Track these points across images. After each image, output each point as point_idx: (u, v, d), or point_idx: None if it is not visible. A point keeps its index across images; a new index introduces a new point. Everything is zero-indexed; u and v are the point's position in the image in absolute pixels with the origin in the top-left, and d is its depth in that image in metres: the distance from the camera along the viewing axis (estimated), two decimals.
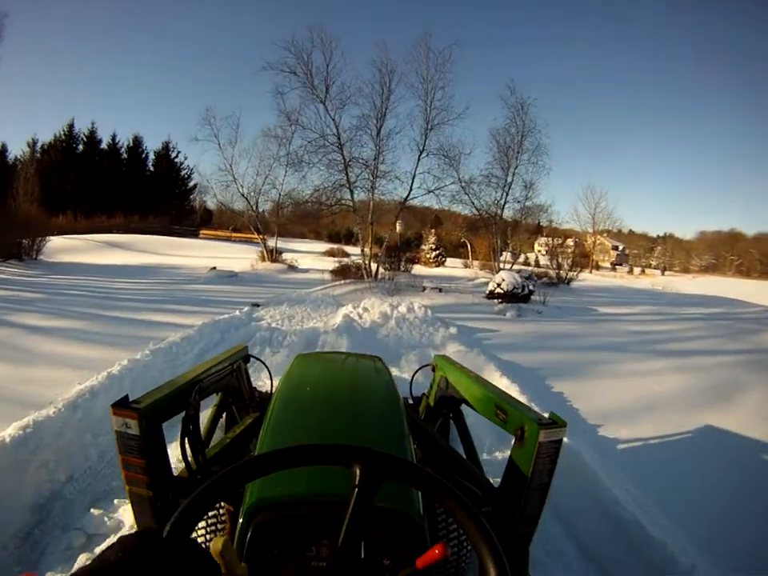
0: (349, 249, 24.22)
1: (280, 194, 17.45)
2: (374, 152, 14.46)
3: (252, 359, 2.64)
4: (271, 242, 18.53)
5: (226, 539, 0.60)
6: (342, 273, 14.34)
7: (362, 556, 0.99)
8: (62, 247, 17.41)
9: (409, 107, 16.61)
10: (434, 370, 2.58)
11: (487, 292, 11.19)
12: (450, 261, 26.79)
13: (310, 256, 21.68)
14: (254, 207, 18.05)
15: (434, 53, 14.05)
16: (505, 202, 15.97)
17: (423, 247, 27.52)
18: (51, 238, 15.96)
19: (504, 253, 17.45)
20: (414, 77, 14.33)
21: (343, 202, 14.75)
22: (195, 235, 31.62)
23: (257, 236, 18.43)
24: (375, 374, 2.30)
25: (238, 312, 7.23)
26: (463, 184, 15.10)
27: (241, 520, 1.08)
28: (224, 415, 2.50)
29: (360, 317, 7.27)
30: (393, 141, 14.71)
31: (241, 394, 2.43)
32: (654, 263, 66.13)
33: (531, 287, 10.91)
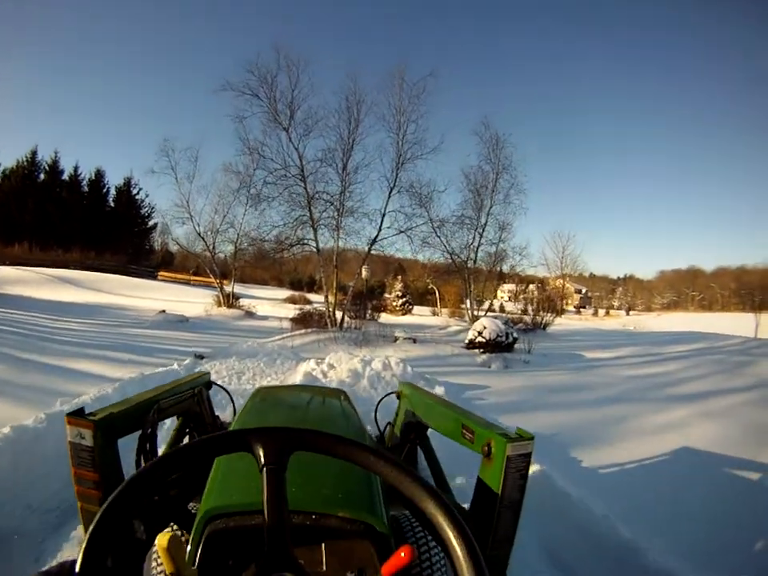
0: (311, 296, 23.44)
1: (239, 234, 16.41)
2: (339, 187, 13.47)
3: (214, 386, 2.64)
4: (229, 287, 17.49)
5: (173, 535, 0.65)
6: (303, 321, 12.94)
7: (324, 569, 1.00)
8: (10, 278, 16.67)
9: (378, 139, 15.84)
10: (399, 397, 2.58)
11: (467, 341, 10.36)
12: (416, 308, 26.30)
13: (270, 302, 20.75)
14: (211, 248, 16.98)
15: (408, 84, 13.51)
16: (479, 245, 15.44)
17: (388, 295, 26.85)
18: None
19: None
20: (385, 108, 13.72)
21: (305, 241, 13.58)
22: (153, 276, 30.29)
23: (201, 278, 17.50)
24: (339, 407, 2.16)
25: (176, 365, 6.17)
26: (436, 225, 14.39)
27: (194, 528, 1.05)
28: (184, 441, 2.34)
29: (325, 375, 6.02)
30: (360, 175, 13.86)
31: (202, 420, 2.39)
32: (616, 304, 68.19)
33: (515, 334, 10.23)
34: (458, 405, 1.97)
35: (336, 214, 13.33)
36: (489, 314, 16.26)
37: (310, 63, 13.39)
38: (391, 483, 0.68)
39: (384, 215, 13.67)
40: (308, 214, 13.10)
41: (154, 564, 1.27)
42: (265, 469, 0.68)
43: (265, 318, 15.39)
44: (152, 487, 0.67)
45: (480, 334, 9.86)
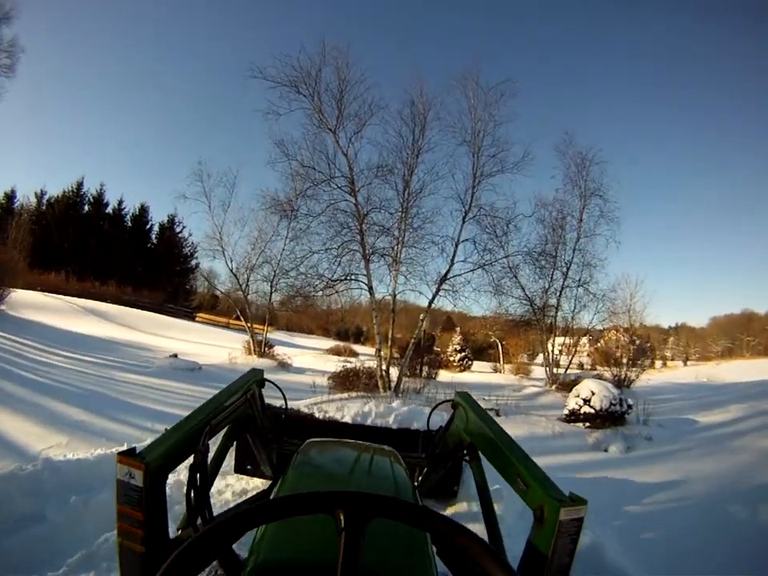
0: (358, 347, 21.28)
1: (275, 272, 13.99)
2: (399, 208, 10.72)
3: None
4: (264, 332, 15.40)
5: None
6: (346, 380, 9.77)
7: None
8: (36, 304, 16.07)
9: (447, 151, 11.99)
10: (454, 407, 2.36)
11: (567, 412, 8.00)
12: (475, 364, 23.86)
13: (311, 353, 18.83)
14: (244, 287, 14.97)
15: (483, 90, 11.11)
16: (562, 287, 12.71)
17: (438, 348, 24.15)
18: (16, 289, 14.62)
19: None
20: (455, 116, 11.25)
21: (354, 276, 10.78)
22: (191, 317, 29.35)
23: (243, 322, 15.30)
24: (390, 468, 1.99)
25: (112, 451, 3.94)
26: (516, 261, 11.81)
27: None
28: (232, 447, 2.43)
29: None
30: (426, 194, 11.08)
31: (254, 422, 2.32)
32: (668, 354, 64.21)
33: (630, 401, 7.96)
34: (512, 439, 1.80)
35: (395, 242, 10.70)
36: (560, 370, 13.86)
37: (363, 56, 11.40)
38: (471, 557, 0.70)
39: (458, 244, 10.87)
40: (359, 239, 10.43)
41: None
42: (344, 533, 0.69)
43: (301, 371, 13.01)
44: (225, 542, 0.68)
45: (587, 402, 7.57)
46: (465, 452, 2.22)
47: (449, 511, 3.46)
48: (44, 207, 32.01)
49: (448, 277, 10.92)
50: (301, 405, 8.45)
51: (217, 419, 1.76)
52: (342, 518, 0.71)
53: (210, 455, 1.88)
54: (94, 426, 5.26)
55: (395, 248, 10.75)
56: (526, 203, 19.29)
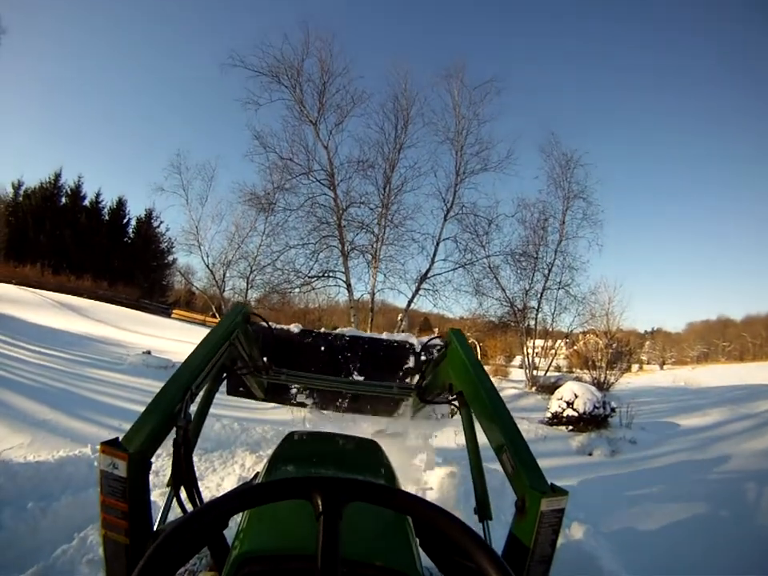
0: None
1: (251, 267, 13.57)
2: (379, 203, 10.47)
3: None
4: None
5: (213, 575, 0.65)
6: None
7: None
8: (9, 296, 15.93)
9: (430, 148, 11.94)
10: (446, 346, 2.16)
11: (549, 415, 7.87)
12: None
13: None
14: (220, 283, 14.54)
15: (468, 88, 11.13)
16: (543, 289, 12.58)
17: None
18: None
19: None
20: (438, 114, 11.17)
21: (332, 273, 10.52)
22: (167, 314, 28.61)
23: (218, 320, 15.00)
24: (373, 457, 2.06)
25: (79, 451, 4.05)
26: (497, 261, 11.72)
27: (227, 570, 1.05)
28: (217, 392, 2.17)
29: None
30: (408, 189, 10.86)
31: (242, 359, 2.23)
32: (644, 358, 65.42)
33: (613, 404, 7.88)
34: (504, 404, 1.68)
35: (375, 239, 10.42)
36: (539, 372, 13.79)
37: (346, 46, 11.25)
38: (451, 537, 0.70)
39: (438, 243, 10.76)
40: (337, 235, 10.14)
41: None
42: (322, 517, 0.69)
43: None
44: (202, 532, 0.67)
45: (570, 405, 7.46)
46: (454, 396, 2.06)
47: None
48: (20, 198, 31.18)
49: (428, 275, 10.81)
50: (276, 405, 8.28)
51: (197, 380, 1.62)
52: (319, 502, 0.70)
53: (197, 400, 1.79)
54: (59, 425, 5.02)
55: (374, 245, 10.54)
56: (508, 203, 19.24)
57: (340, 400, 3.04)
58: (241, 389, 2.94)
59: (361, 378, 2.69)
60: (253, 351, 2.35)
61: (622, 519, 4.02)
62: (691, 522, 3.89)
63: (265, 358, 2.50)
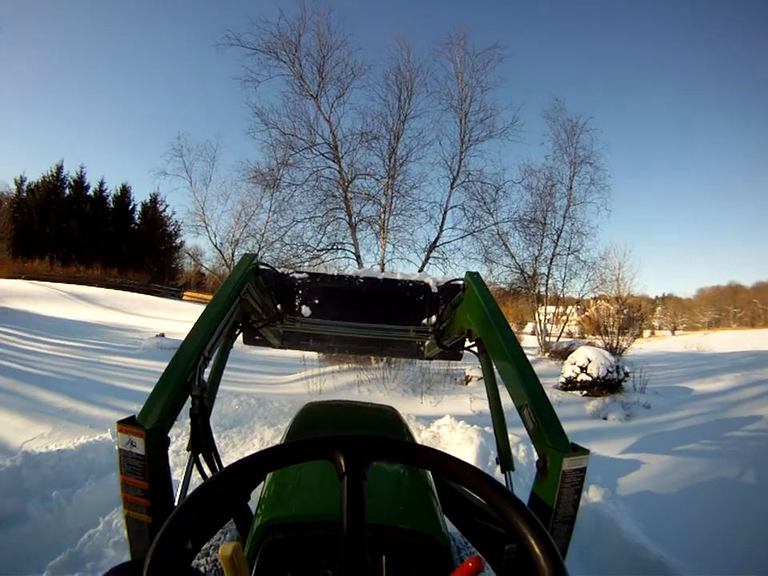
0: None
1: (260, 245, 13.45)
2: (385, 173, 10.35)
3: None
4: None
5: (237, 545, 0.59)
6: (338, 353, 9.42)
7: None
8: (20, 292, 15.95)
9: (434, 117, 11.65)
10: (463, 289, 1.99)
11: (563, 380, 7.85)
12: None
13: None
14: (229, 262, 14.55)
15: (470, 56, 10.86)
16: (553, 255, 12.51)
17: None
18: (0, 279, 15.14)
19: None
20: (441, 82, 10.93)
21: (341, 246, 10.54)
22: (178, 296, 28.82)
23: None
24: (392, 422, 2.10)
25: (98, 437, 4.08)
26: (506, 228, 11.59)
27: (250, 539, 1.07)
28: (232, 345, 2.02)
29: None
30: (413, 159, 10.70)
31: (257, 312, 2.09)
32: (656, 324, 65.24)
33: (627, 368, 7.85)
34: (525, 357, 1.49)
35: (382, 210, 10.34)
36: (551, 338, 13.82)
37: (346, 18, 11.08)
38: (475, 492, 0.69)
39: (446, 211, 10.65)
40: (344, 207, 10.10)
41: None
42: (345, 477, 0.68)
43: None
44: (222, 497, 0.65)
45: (583, 369, 7.43)
46: (473, 343, 1.94)
47: None
48: (24, 194, 31.16)
49: (437, 244, 10.76)
50: (291, 379, 8.37)
51: (209, 344, 1.54)
52: (342, 462, 0.69)
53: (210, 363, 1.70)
54: (78, 413, 5.07)
55: (382, 216, 10.41)
56: (515, 170, 18.89)
57: (357, 343, 3.00)
58: (257, 338, 2.86)
59: (376, 322, 2.56)
60: (266, 301, 2.27)
61: (640, 483, 4.01)
62: (710, 486, 3.84)
63: (279, 305, 2.40)
